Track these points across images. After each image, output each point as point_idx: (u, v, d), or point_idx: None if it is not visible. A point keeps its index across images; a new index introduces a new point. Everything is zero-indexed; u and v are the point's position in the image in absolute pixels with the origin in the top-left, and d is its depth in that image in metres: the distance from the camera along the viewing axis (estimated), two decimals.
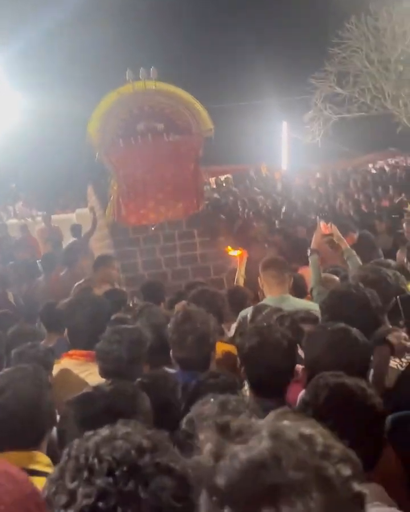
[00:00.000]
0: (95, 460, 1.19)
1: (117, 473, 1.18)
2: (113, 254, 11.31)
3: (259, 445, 0.98)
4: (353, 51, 19.46)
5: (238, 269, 6.97)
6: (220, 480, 0.98)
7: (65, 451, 1.25)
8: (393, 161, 20.20)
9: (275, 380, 2.99)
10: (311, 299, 4.92)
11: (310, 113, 19.55)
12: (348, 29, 19.52)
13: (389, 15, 18.39)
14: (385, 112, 18.10)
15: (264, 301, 4.70)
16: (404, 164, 19.14)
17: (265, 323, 3.40)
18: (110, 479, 1.17)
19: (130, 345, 3.29)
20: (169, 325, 3.56)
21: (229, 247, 8.50)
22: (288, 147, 22.91)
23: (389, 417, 2.40)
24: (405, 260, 6.31)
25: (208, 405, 1.98)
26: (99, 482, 1.17)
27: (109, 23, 19.87)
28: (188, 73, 20.47)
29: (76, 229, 12.82)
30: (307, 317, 3.89)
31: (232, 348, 3.76)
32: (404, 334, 3.39)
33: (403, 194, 14.25)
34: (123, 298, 5.84)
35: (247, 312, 4.70)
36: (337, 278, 5.36)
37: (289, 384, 3.06)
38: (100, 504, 1.15)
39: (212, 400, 1.99)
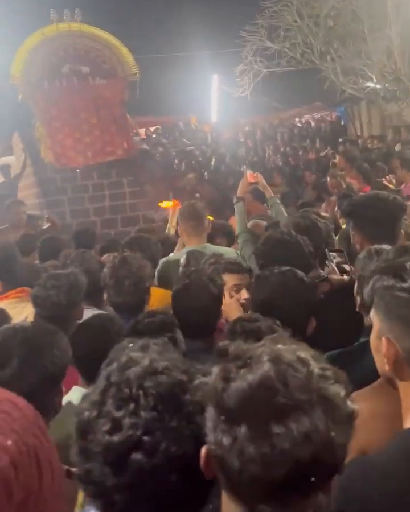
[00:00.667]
0: (141, 392, 1.23)
1: (161, 408, 1.22)
2: (41, 202, 11.25)
3: (263, 368, 1.09)
4: (285, 5, 19.36)
5: (169, 219, 7.05)
6: (231, 401, 1.09)
7: (104, 374, 1.29)
8: (319, 116, 20.52)
9: (203, 320, 3.09)
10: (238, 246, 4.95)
11: (241, 66, 19.48)
12: None
13: None
14: (314, 67, 18.21)
15: (184, 250, 4.72)
16: (329, 119, 19.49)
17: (193, 268, 3.53)
18: (155, 414, 1.22)
19: (67, 289, 3.33)
20: (105, 270, 3.62)
21: (163, 201, 8.56)
22: (219, 100, 22.89)
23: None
24: (336, 209, 6.47)
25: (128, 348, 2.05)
26: (145, 415, 1.21)
27: None
28: (117, 21, 20.05)
29: (4, 169, 12.60)
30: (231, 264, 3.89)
31: (166, 292, 3.81)
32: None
33: (329, 148, 14.56)
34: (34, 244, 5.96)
35: (170, 257, 4.86)
36: (264, 223, 5.52)
37: (216, 325, 3.18)
38: (146, 438, 1.20)
39: (131, 345, 2.06)
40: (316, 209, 6.82)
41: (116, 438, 1.19)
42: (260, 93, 19.47)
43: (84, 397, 1.29)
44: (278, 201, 5.23)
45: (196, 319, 3.05)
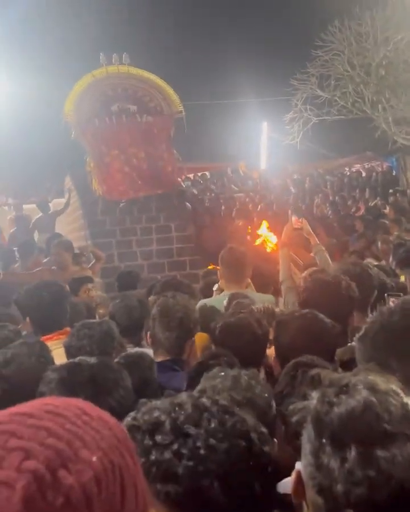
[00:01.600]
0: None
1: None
2: (89, 245, 11.32)
3: (363, 395, 1.15)
4: (336, 54, 19.51)
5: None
6: (336, 424, 1.14)
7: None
8: (369, 165, 20.41)
9: (245, 359, 2.97)
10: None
11: (290, 114, 19.59)
12: (331, 32, 19.58)
13: (372, 20, 18.49)
14: (365, 116, 18.20)
15: (220, 296, 4.67)
16: (380, 169, 19.35)
17: (239, 309, 3.52)
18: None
19: (100, 339, 3.26)
20: (154, 308, 3.58)
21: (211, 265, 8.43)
22: (268, 147, 22.99)
23: None
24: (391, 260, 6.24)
25: (219, 379, 2.00)
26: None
27: (90, 10, 19.75)
28: (170, 69, 20.45)
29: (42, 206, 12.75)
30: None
31: (200, 335, 3.76)
32: None
33: (379, 198, 14.41)
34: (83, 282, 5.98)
35: (208, 300, 4.74)
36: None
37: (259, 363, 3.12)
38: (200, 468, 1.23)
39: (221, 374, 2.02)
40: (367, 257, 6.67)
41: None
42: (310, 141, 19.51)
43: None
44: (323, 249, 5.08)
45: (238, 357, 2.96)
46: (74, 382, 2.17)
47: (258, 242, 7.88)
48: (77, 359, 2.38)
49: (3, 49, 17.63)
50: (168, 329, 3.42)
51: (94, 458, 0.83)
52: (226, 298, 4.31)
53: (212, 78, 21.20)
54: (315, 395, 1.21)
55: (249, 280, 4.93)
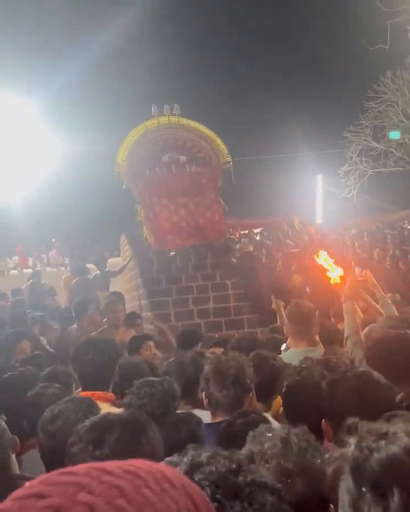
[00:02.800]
0: None
1: (219, 496, 1.18)
2: (145, 304, 11.18)
3: (404, 441, 1.11)
4: (389, 105, 19.43)
5: (278, 318, 6.77)
6: (376, 470, 1.08)
7: None
8: None
9: (312, 419, 2.79)
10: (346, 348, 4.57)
11: (346, 167, 19.45)
12: (384, 83, 19.55)
13: None
14: None
15: (288, 354, 4.52)
16: None
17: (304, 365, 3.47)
18: (216, 504, 1.17)
19: (161, 398, 3.19)
20: (207, 366, 3.48)
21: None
22: (323, 201, 22.77)
23: None
24: None
25: (267, 443, 1.81)
26: None
27: (141, 63, 20.23)
28: (223, 124, 20.67)
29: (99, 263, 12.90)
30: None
31: None
32: None
33: None
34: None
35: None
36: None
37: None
38: None
39: (269, 434, 1.84)
40: None
41: None
42: (366, 194, 19.26)
43: None
44: (390, 301, 4.94)
45: (306, 417, 2.74)
46: (102, 440, 2.09)
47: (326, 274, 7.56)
48: (113, 414, 2.32)
49: (58, 111, 18.13)
50: (224, 387, 3.28)
51: None
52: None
53: (265, 132, 21.38)
54: (352, 441, 1.17)
55: (318, 339, 4.70)
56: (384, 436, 1.13)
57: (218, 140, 12.14)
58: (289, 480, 1.71)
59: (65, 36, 18.90)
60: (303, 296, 10.22)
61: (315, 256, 7.30)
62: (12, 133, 17.51)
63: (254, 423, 2.53)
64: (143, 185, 11.73)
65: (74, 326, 8.47)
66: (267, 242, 17.07)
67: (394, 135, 19.21)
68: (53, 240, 18.19)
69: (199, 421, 2.96)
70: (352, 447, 1.16)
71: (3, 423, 3.05)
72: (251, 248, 14.83)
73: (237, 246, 15.52)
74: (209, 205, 11.89)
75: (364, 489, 1.09)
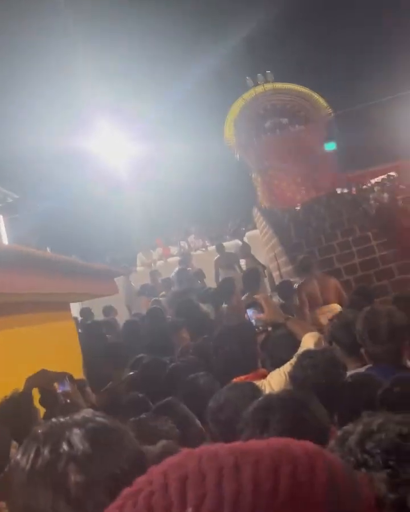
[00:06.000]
0: (366, 456, 1.20)
1: (392, 462, 1.18)
2: (291, 269, 11.26)
3: None
4: None
5: None
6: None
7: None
8: None
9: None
10: None
11: None
12: None
13: None
14: None
15: None
16: None
17: None
18: (389, 470, 1.17)
19: (324, 368, 3.20)
20: (358, 322, 3.54)
21: None
22: None
23: None
24: None
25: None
26: (379, 475, 1.17)
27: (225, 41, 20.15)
28: (328, 76, 20.21)
29: (245, 249, 13.28)
30: None
31: None
32: None
33: None
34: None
35: None
36: None
37: None
38: (390, 496, 1.14)
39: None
40: None
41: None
42: None
43: None
44: None
45: None
46: (267, 410, 2.19)
47: None
48: None
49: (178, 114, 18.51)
50: (377, 345, 3.39)
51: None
52: None
53: (375, 77, 20.60)
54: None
55: None
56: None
57: (316, 95, 12.86)
58: None
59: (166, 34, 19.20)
60: None
61: None
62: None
63: None
64: (253, 153, 12.48)
65: (224, 306, 8.66)
66: (401, 186, 16.61)
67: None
68: (192, 227, 18.63)
69: (379, 383, 2.92)
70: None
71: (192, 414, 3.22)
72: (385, 195, 14.52)
73: (371, 195, 15.22)
74: (319, 157, 12.44)
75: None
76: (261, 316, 4.05)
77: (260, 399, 2.37)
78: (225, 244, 14.61)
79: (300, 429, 2.13)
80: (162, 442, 1.91)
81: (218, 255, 13.39)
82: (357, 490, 0.89)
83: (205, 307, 9.06)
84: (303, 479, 0.82)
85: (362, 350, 3.58)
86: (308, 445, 0.88)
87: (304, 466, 0.84)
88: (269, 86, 12.51)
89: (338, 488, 0.85)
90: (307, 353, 3.38)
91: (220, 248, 13.63)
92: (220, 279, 12.65)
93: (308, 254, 10.57)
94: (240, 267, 13.21)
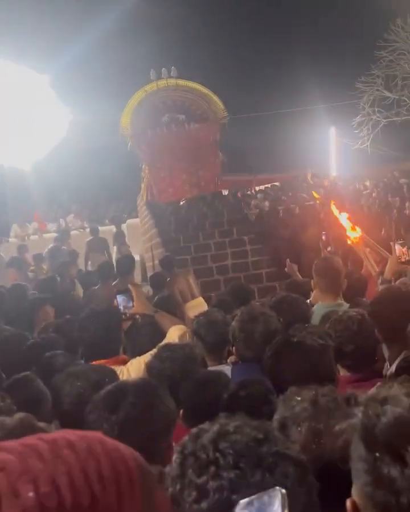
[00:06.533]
0: (218, 454, 1.21)
1: (242, 465, 1.19)
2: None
3: (406, 402, 1.15)
4: (400, 54, 19.18)
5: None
6: (387, 433, 1.13)
7: (178, 449, 1.29)
8: None
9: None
10: None
11: (358, 118, 19.31)
12: (395, 32, 19.25)
13: None
14: None
15: (316, 308, 4.49)
16: None
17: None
18: (238, 472, 1.19)
19: (182, 362, 3.25)
20: (234, 324, 3.58)
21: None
22: (338, 153, 22.63)
23: None
24: None
25: (298, 405, 1.89)
26: (227, 475, 1.19)
27: (139, 29, 20.07)
28: (234, 80, 20.48)
29: (119, 237, 13.50)
30: None
31: None
32: None
33: None
34: None
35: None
36: None
37: None
38: (234, 496, 1.16)
39: (298, 398, 1.91)
40: None
41: (204, 505, 1.17)
42: (380, 144, 19.13)
43: (166, 476, 1.28)
44: None
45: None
46: (117, 398, 2.21)
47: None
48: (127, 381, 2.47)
49: (66, 80, 18.15)
50: (249, 348, 3.44)
51: (30, 494, 0.81)
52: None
53: (278, 87, 21.12)
54: (357, 411, 1.20)
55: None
56: (385, 400, 1.17)
57: (215, 98, 12.84)
58: (321, 441, 1.77)
59: (70, 6, 18.82)
60: (318, 249, 10.35)
61: (332, 209, 7.31)
62: (24, 103, 17.57)
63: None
64: (146, 145, 12.58)
65: (97, 287, 8.62)
66: (283, 197, 17.14)
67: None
68: (74, 206, 18.34)
69: (227, 381, 3.03)
70: (360, 415, 1.19)
71: (46, 391, 3.18)
72: (267, 204, 14.92)
73: (253, 201, 15.60)
74: (207, 158, 12.69)
75: (378, 454, 1.13)
76: (131, 308, 4.08)
77: (114, 383, 2.39)
78: (101, 228, 14.67)
79: (148, 414, 2.18)
80: (19, 415, 1.90)
81: (91, 237, 13.70)
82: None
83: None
84: (116, 455, 0.93)
85: (233, 348, 3.65)
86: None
87: (114, 447, 0.94)
88: (172, 81, 12.76)
89: (145, 468, 0.98)
90: (168, 346, 3.43)
91: (93, 231, 13.99)
92: (88, 261, 12.98)
93: (175, 250, 10.78)
94: (109, 252, 13.58)
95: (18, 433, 1.77)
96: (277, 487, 1.05)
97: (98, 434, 0.97)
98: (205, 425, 1.32)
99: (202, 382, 3.03)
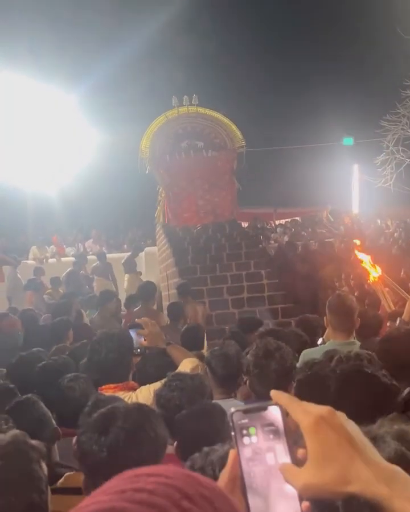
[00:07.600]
0: None
1: None
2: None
3: (392, 447, 1.16)
4: None
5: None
6: None
7: (188, 464, 1.38)
8: None
9: None
10: None
11: (382, 156, 19.30)
12: None
13: None
14: None
15: (327, 345, 4.48)
16: None
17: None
18: None
19: (190, 393, 3.23)
20: (248, 358, 3.58)
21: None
22: (360, 191, 22.57)
23: None
24: None
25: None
26: None
27: (163, 57, 20.31)
28: (259, 113, 20.60)
29: (129, 264, 13.65)
30: None
31: None
32: None
33: None
34: None
35: (314, 350, 4.58)
36: None
37: None
38: None
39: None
40: None
41: None
42: (403, 184, 19.07)
43: None
44: None
45: None
46: (110, 416, 2.23)
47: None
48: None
49: (90, 102, 18.37)
50: (264, 384, 3.41)
51: None
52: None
53: (302, 122, 21.22)
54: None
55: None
56: (373, 440, 1.10)
57: (233, 127, 13.21)
58: None
59: (98, 31, 19.10)
60: (334, 286, 10.26)
61: (352, 248, 7.37)
62: (49, 125, 17.77)
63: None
64: (164, 169, 12.92)
65: (96, 315, 8.70)
66: (302, 232, 17.07)
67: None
68: (93, 231, 18.39)
69: (222, 413, 2.99)
70: None
71: (49, 413, 3.21)
72: (286, 238, 14.86)
73: (272, 235, 15.55)
74: (224, 185, 13.01)
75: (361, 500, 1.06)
76: (143, 341, 4.04)
77: (108, 406, 2.39)
78: (115, 255, 14.97)
79: (137, 438, 2.18)
80: (13, 432, 1.87)
81: (98, 263, 13.95)
82: None
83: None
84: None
85: (246, 382, 3.64)
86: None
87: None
88: (193, 108, 13.12)
89: None
90: (178, 375, 3.42)
91: (100, 257, 14.25)
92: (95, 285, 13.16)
93: (192, 280, 10.74)
94: (113, 277, 13.78)
95: (10, 450, 1.82)
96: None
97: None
98: (216, 446, 1.39)
99: (197, 413, 2.98)
